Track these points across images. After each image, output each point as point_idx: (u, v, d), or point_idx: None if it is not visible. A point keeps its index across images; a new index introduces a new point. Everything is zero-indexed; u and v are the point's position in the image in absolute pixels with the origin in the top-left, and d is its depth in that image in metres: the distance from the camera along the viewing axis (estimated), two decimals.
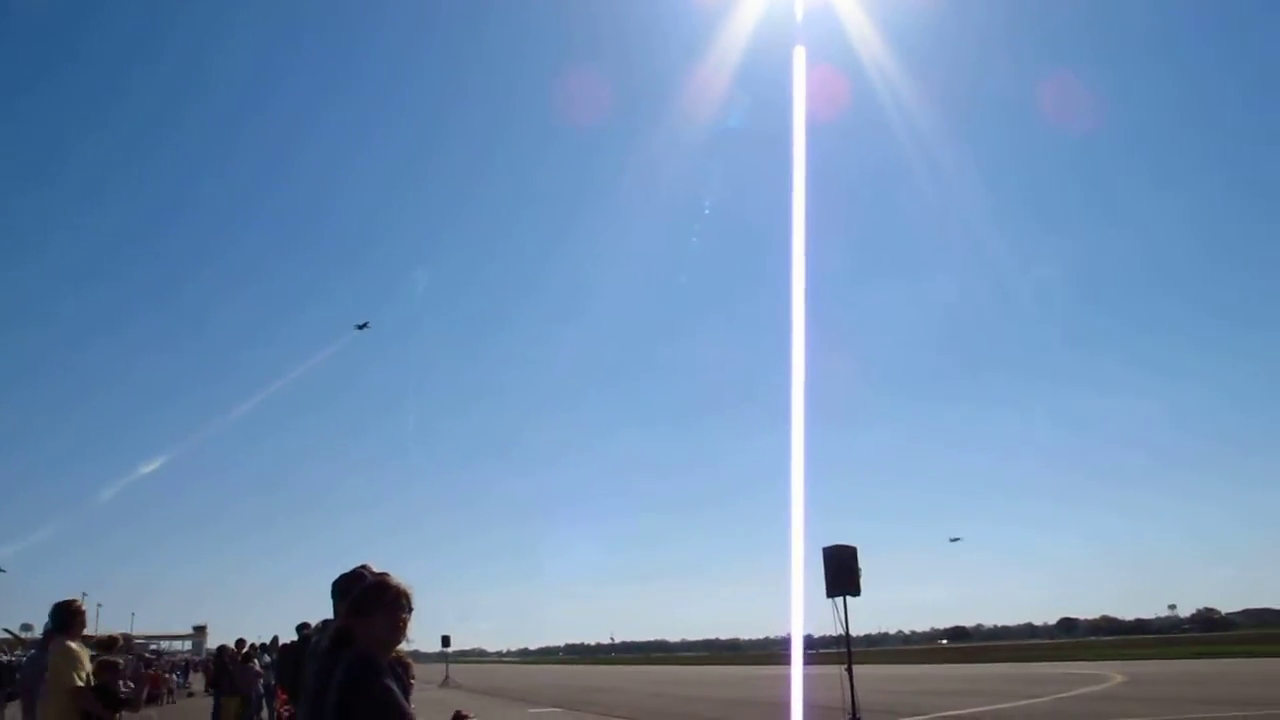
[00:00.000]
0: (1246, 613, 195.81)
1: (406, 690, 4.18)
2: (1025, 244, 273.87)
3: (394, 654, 4.12)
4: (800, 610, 16.44)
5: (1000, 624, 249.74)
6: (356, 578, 4.59)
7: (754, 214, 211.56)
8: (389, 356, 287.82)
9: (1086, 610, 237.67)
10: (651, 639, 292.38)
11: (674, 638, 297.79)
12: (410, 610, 4.08)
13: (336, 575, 5.04)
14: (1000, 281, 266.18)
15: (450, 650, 60.24)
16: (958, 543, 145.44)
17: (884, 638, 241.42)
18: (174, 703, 40.66)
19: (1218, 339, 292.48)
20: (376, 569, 4.61)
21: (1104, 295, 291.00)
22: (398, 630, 4.03)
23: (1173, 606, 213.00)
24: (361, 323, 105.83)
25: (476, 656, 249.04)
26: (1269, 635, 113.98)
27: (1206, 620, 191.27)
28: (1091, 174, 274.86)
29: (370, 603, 4.03)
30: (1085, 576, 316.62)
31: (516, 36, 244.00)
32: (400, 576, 4.18)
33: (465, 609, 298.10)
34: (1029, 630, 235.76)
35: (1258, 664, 44.76)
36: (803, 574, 16.13)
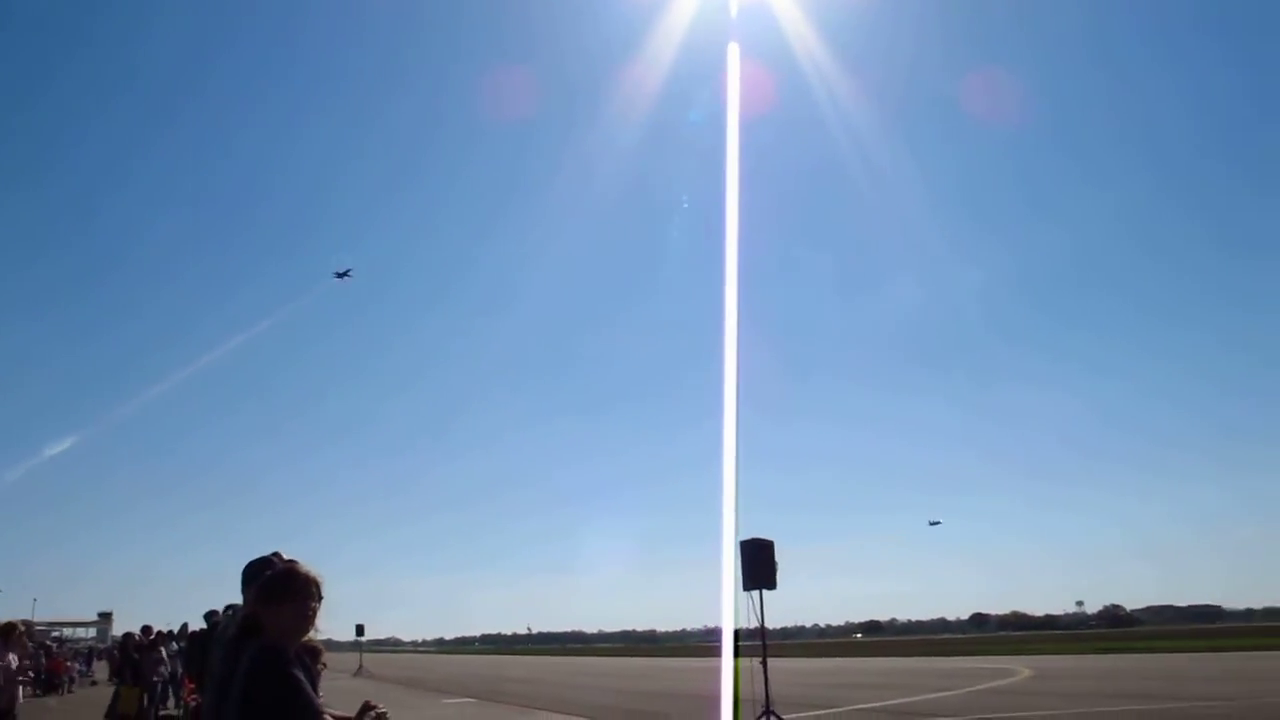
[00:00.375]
0: (1150, 609, 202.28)
1: (315, 678, 4.11)
2: (961, 239, 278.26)
3: (304, 640, 4.04)
4: (731, 602, 16.53)
5: (914, 618, 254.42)
6: (265, 565, 4.49)
7: (690, 208, 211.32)
8: (312, 346, 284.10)
9: (998, 605, 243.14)
10: (568, 630, 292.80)
11: (591, 628, 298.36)
12: (320, 599, 4.00)
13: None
14: (935, 276, 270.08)
15: (364, 639, 59.67)
16: (936, 526, 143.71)
17: (800, 630, 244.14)
18: (73, 693, 39.63)
19: (1145, 336, 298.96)
20: (288, 556, 4.51)
21: (1036, 291, 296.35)
22: (306, 619, 3.95)
23: (1080, 603, 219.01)
24: (342, 270, 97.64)
25: (391, 646, 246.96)
26: (1170, 632, 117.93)
27: (1112, 617, 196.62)
28: (1024, 170, 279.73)
29: (278, 591, 3.95)
30: (998, 572, 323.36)
31: (450, 31, 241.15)
32: (311, 565, 4.09)
33: (381, 597, 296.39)
34: (941, 625, 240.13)
35: (1159, 659, 46.08)
36: (733, 567, 16.20)
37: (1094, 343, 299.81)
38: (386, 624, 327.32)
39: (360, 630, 59.06)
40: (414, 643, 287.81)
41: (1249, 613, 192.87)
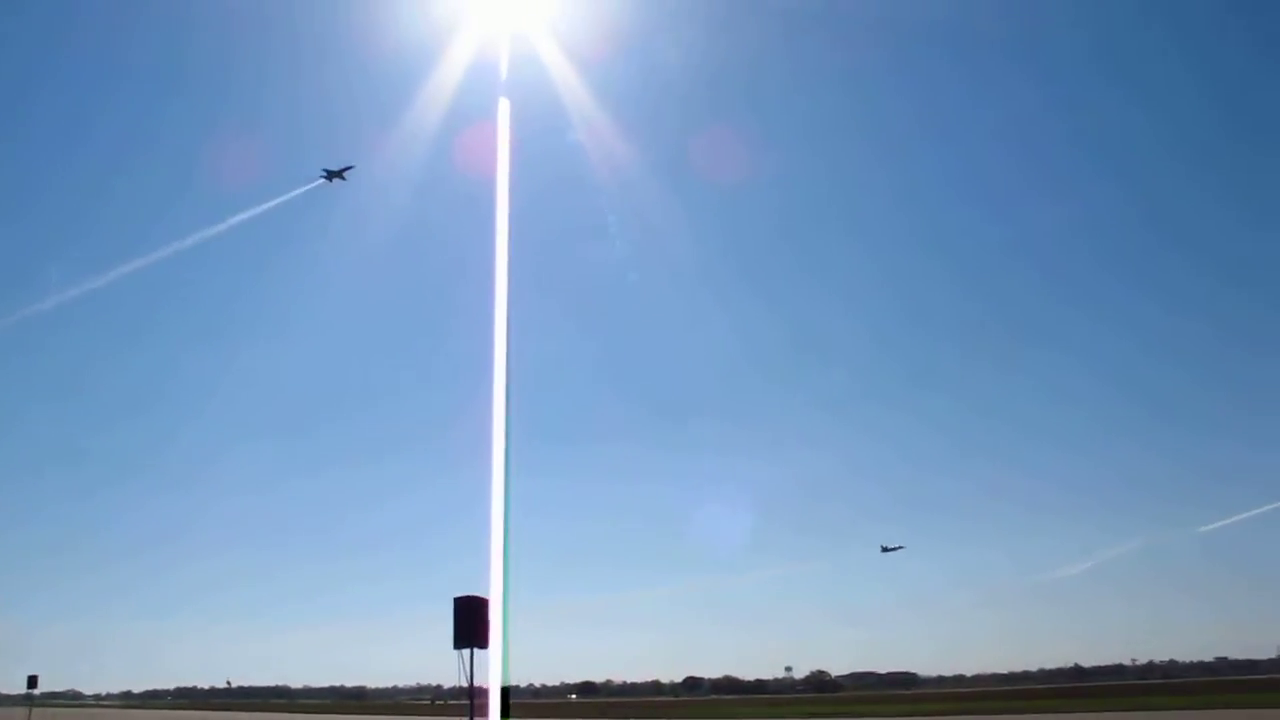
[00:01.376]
0: (852, 675, 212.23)
1: None
2: (730, 297, 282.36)
3: None
4: (500, 660, 15.39)
5: (628, 680, 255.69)
6: None
7: (457, 262, 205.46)
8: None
9: (710, 669, 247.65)
10: (272, 684, 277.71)
11: (296, 684, 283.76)
12: None
13: None
14: (703, 332, 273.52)
15: (38, 692, 53.55)
16: (893, 551, 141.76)
17: (514, 690, 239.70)
18: None
19: (905, 399, 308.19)
20: None
21: (801, 351, 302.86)
22: None
23: (789, 668, 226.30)
24: (337, 168, 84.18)
25: (70, 699, 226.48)
26: (870, 696, 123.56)
27: (818, 682, 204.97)
28: (792, 229, 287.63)
29: None
30: (710, 636, 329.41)
31: (218, 83, 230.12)
32: None
33: (60, 646, 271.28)
34: (654, 687, 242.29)
35: None
36: (503, 621, 15.12)
37: (812, 410, 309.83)
38: (66, 675, 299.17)
39: (33, 682, 52.84)
40: (97, 696, 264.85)
41: (940, 679, 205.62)
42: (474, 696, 16.54)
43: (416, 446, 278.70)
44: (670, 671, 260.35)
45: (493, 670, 15.55)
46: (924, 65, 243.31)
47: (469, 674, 16.72)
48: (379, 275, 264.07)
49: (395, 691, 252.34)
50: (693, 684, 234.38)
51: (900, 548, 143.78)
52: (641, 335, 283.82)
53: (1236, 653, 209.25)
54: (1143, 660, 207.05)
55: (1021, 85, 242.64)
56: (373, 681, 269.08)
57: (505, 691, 16.83)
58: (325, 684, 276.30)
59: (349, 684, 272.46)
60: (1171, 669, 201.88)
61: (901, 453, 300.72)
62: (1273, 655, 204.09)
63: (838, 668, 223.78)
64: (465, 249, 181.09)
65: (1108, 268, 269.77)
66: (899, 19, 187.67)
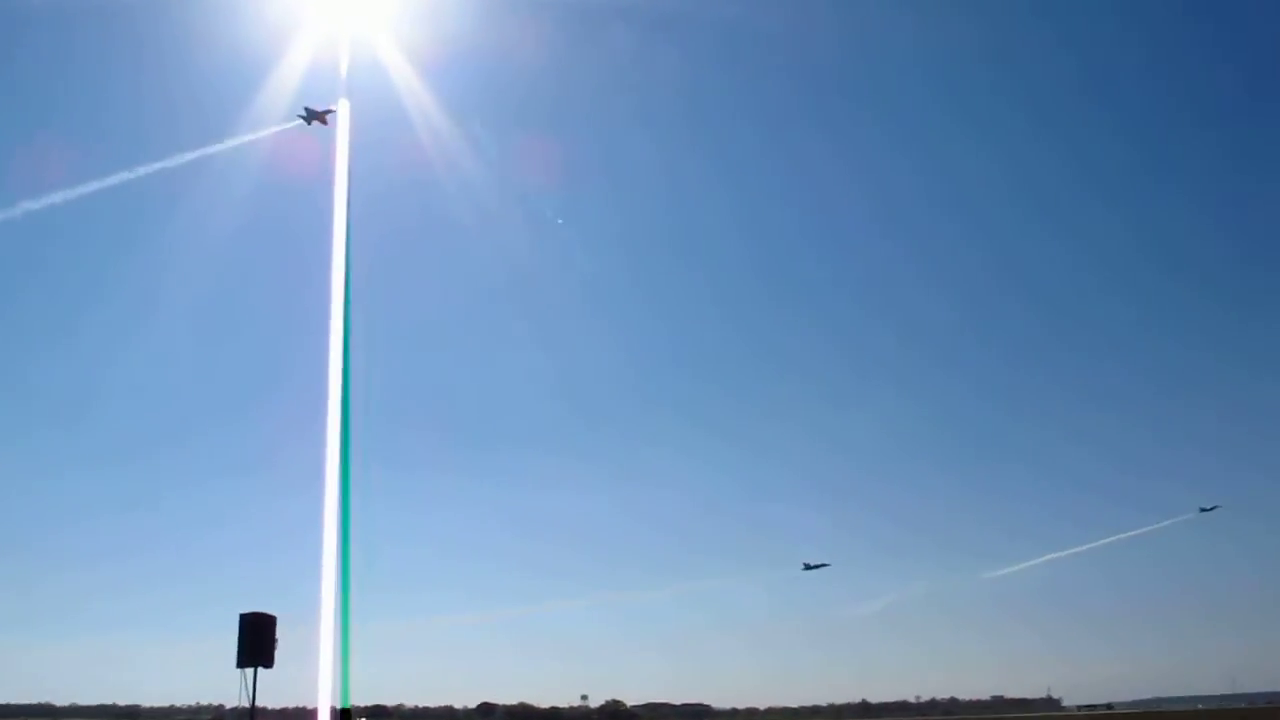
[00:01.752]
0: (648, 705, 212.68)
1: None
2: (562, 316, 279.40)
3: None
4: (329, 680, 13.77)
5: (421, 705, 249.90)
6: None
7: (297, 269, 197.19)
8: None
9: (507, 695, 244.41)
10: (34, 701, 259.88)
11: (61, 701, 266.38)
12: None
13: None
14: (523, 353, 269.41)
15: None
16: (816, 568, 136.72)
17: (300, 713, 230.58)
18: None
19: (694, 445, 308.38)
20: None
21: (636, 373, 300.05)
22: None
23: (585, 696, 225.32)
24: (319, 109, 75.17)
25: None
26: None
27: (613, 712, 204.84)
28: (628, 246, 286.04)
29: None
30: (509, 662, 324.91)
31: (56, 77, 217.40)
32: None
33: None
34: (448, 713, 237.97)
35: None
36: (343, 643, 13.50)
37: (638, 442, 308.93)
38: None
39: None
40: None
41: (734, 712, 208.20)
42: (255, 717, 14.50)
43: (249, 467, 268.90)
44: (465, 697, 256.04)
45: (322, 692, 13.79)
46: (769, 94, 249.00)
47: (251, 694, 14.77)
48: (218, 286, 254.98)
49: (172, 711, 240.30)
50: (487, 710, 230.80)
51: (825, 565, 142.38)
52: (465, 351, 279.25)
53: (1012, 692, 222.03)
54: (926, 697, 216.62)
55: (869, 124, 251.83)
56: (147, 700, 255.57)
57: (345, 714, 15.22)
58: (94, 702, 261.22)
59: (121, 702, 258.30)
60: (952, 706, 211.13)
61: (742, 483, 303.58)
62: (1044, 695, 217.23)
63: (636, 697, 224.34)
64: (304, 256, 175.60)
65: (949, 307, 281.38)
66: (747, 45, 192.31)
